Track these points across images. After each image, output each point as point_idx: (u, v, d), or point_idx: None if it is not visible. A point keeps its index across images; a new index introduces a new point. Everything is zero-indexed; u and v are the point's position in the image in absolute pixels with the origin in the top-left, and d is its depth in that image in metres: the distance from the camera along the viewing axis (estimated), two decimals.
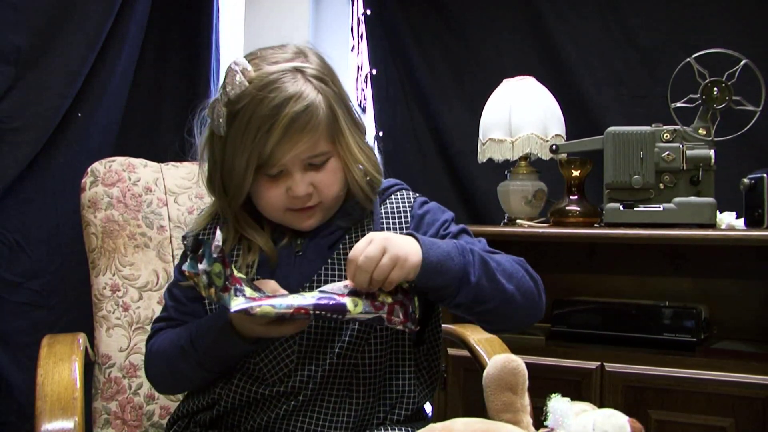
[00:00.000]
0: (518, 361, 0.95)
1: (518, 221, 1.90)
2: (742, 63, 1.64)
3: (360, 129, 1.12)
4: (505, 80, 1.97)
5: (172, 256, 1.48)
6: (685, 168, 1.65)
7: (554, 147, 1.81)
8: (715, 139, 1.66)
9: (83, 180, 1.48)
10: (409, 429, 1.08)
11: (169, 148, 1.97)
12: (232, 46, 2.48)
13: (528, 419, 0.95)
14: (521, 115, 1.89)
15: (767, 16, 1.94)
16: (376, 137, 2.39)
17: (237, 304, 0.91)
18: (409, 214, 1.13)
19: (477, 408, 1.00)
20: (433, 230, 1.11)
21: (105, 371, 1.40)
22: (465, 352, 1.42)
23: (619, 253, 1.93)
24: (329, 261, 1.08)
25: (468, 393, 1.75)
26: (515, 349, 1.23)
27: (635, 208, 1.67)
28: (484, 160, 1.96)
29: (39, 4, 1.85)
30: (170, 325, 1.13)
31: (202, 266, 0.90)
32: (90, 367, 1.36)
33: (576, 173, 1.83)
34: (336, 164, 1.07)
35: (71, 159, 1.92)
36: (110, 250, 1.44)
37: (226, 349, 1.03)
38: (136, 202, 1.48)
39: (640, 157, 1.65)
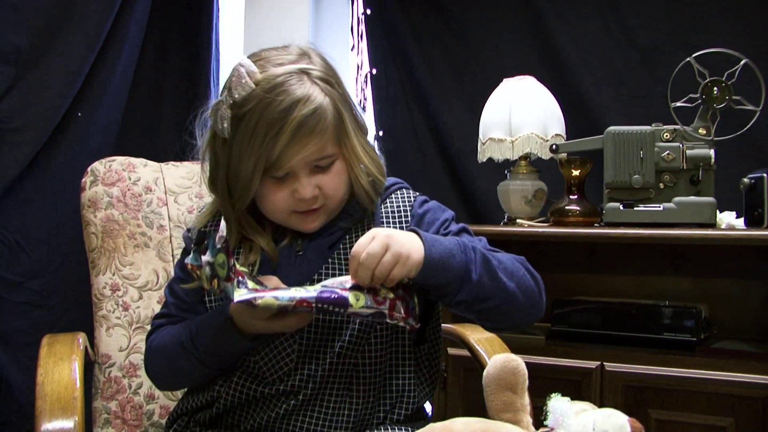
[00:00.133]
0: (518, 361, 0.95)
1: (518, 221, 1.90)
2: (742, 63, 1.64)
3: (363, 130, 1.12)
4: (505, 80, 1.97)
5: (172, 255, 1.48)
6: (685, 168, 1.65)
7: (554, 147, 1.81)
8: (715, 138, 1.66)
9: (83, 180, 1.48)
10: (409, 428, 1.08)
11: (169, 148, 1.97)
12: (232, 46, 2.48)
13: (528, 419, 0.95)
14: (521, 114, 1.89)
15: (767, 16, 1.94)
16: (376, 137, 2.39)
17: (240, 294, 0.90)
18: (409, 213, 1.13)
19: (477, 407, 1.00)
20: (434, 229, 1.10)
21: (105, 371, 1.40)
22: (465, 352, 1.42)
23: (619, 252, 1.93)
24: (329, 261, 1.08)
25: (468, 392, 1.75)
26: (515, 349, 1.23)
27: (635, 208, 1.67)
28: (484, 160, 1.96)
29: (39, 4, 1.85)
30: (170, 321, 1.13)
31: (205, 257, 0.90)
32: (90, 366, 1.36)
33: (576, 173, 1.83)
34: (341, 166, 1.06)
35: (71, 159, 1.92)
36: (110, 249, 1.44)
37: (227, 346, 1.03)
38: (136, 201, 1.48)
39: (640, 156, 1.65)
